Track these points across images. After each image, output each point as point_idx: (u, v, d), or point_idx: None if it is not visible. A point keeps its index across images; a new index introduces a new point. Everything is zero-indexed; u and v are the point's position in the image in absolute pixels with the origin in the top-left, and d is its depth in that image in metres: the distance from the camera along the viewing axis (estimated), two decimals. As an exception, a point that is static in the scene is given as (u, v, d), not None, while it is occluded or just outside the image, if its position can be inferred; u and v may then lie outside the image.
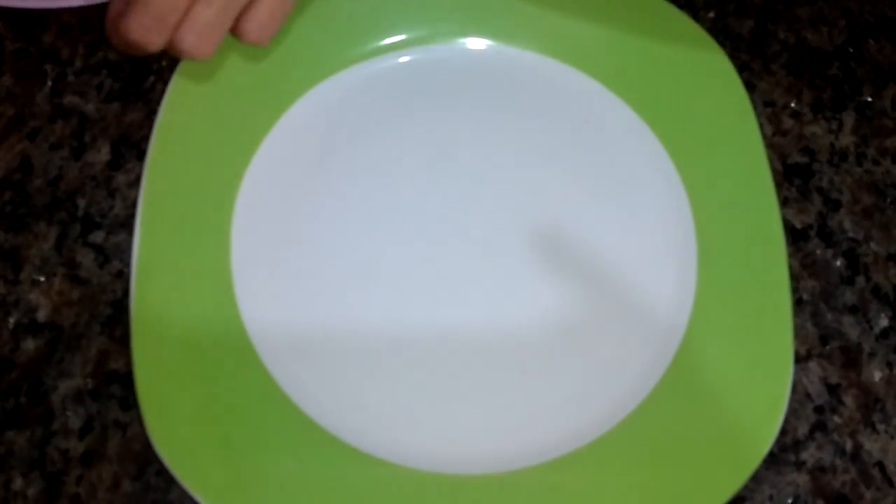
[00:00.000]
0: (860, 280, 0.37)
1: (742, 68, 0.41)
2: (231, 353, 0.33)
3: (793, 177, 0.39)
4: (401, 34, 0.38)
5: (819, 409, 0.35)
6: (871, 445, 0.34)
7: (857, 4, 0.42)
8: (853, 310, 0.36)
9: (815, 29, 0.42)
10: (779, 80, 0.41)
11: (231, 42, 0.37)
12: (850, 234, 0.38)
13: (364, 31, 0.38)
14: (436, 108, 0.38)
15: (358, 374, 0.33)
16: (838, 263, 0.37)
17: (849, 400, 0.35)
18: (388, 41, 0.38)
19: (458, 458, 0.32)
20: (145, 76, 0.39)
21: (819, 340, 0.36)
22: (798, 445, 0.34)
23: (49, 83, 0.39)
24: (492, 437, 0.33)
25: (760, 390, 0.33)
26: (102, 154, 0.38)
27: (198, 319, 0.33)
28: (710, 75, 0.39)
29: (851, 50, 0.42)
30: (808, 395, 0.35)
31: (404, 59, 0.39)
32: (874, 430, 0.34)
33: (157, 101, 0.37)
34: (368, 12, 0.38)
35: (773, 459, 0.34)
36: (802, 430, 0.34)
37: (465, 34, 0.39)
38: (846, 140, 0.40)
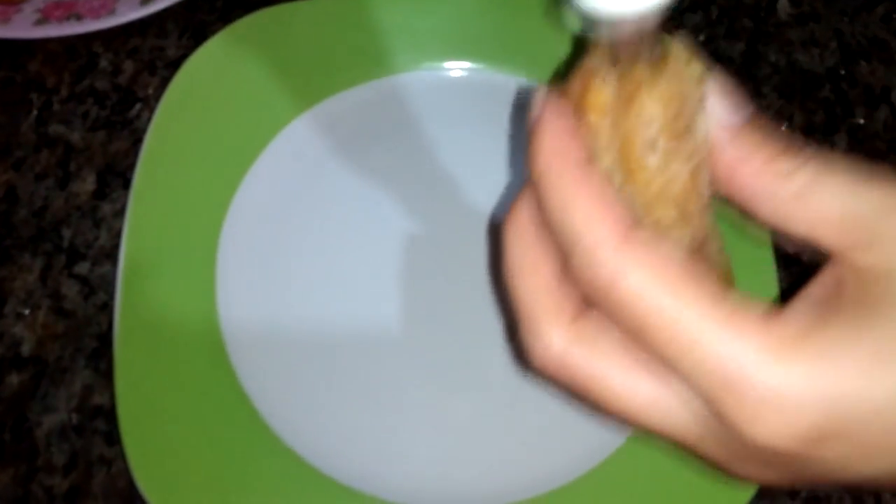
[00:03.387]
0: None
1: (733, 91, 0.40)
2: (216, 388, 0.32)
3: (785, 201, 0.38)
4: (385, 60, 0.38)
5: (813, 439, 0.34)
6: (866, 475, 0.34)
7: (849, 26, 0.42)
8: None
9: (807, 51, 0.42)
10: (770, 103, 0.40)
11: (217, 70, 0.37)
12: (843, 259, 0.37)
13: (349, 59, 0.38)
14: (420, 131, 0.38)
15: (349, 411, 0.33)
16: (831, 289, 0.37)
17: (843, 428, 0.34)
18: (372, 68, 0.38)
19: (448, 494, 0.32)
20: (131, 104, 0.39)
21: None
22: (791, 476, 0.34)
23: (34, 112, 0.39)
24: (482, 471, 0.32)
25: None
26: (88, 183, 0.37)
27: (182, 353, 0.33)
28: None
29: (843, 72, 0.41)
30: (801, 424, 0.34)
31: (389, 84, 0.38)
32: (868, 459, 0.34)
33: (143, 130, 0.36)
34: (352, 40, 0.38)
35: (767, 488, 0.33)
36: (796, 459, 0.34)
37: (449, 59, 0.39)
38: (838, 163, 0.39)
